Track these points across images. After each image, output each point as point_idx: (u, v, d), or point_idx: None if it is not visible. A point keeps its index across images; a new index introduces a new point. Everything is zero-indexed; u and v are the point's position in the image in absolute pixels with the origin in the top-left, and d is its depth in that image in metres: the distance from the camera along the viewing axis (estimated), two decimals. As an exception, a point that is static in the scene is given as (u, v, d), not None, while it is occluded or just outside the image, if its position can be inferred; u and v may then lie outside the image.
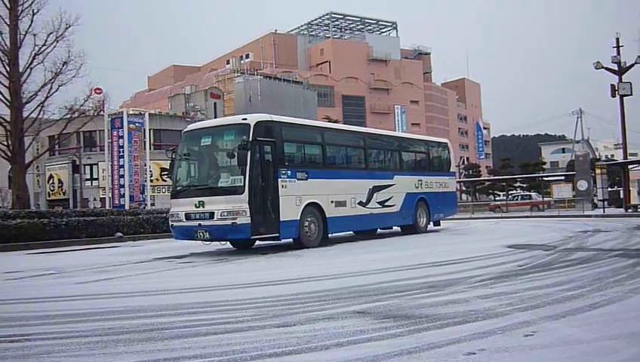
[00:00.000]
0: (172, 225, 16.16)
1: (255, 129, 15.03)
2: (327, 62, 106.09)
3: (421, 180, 22.06)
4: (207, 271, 12.40)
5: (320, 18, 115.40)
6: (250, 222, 14.52)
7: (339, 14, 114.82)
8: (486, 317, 6.20)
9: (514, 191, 67.90)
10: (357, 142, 20.14)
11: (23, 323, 7.28)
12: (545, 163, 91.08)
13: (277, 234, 15.34)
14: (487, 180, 79.27)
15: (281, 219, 15.30)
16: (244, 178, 14.59)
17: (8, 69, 28.63)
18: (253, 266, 13.10)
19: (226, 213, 14.67)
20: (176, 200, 16.13)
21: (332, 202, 17.25)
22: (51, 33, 29.37)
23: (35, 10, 29.15)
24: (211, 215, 14.94)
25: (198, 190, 15.64)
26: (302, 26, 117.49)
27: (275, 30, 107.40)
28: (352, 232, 21.51)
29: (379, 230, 22.88)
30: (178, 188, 16.28)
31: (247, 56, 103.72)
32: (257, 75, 75.98)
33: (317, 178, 16.93)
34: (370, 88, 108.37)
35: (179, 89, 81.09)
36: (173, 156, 16.73)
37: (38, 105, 30.10)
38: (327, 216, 16.91)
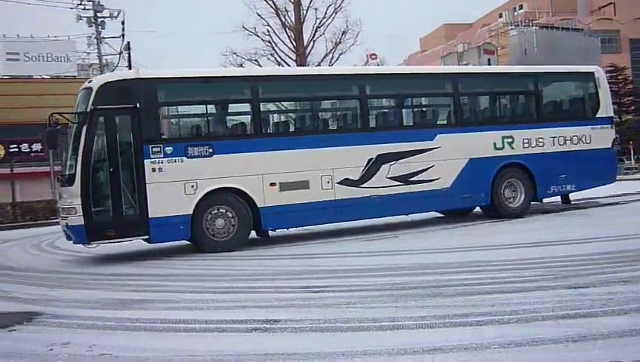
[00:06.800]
0: None
1: (99, 94, 10.88)
2: (611, 3, 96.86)
3: (511, 136, 14.09)
4: (484, 231, 12.33)
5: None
6: (83, 223, 10.60)
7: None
8: None
9: None
10: (343, 91, 13.70)
11: (325, 276, 8.05)
12: None
13: (145, 236, 11.14)
14: None
15: (151, 216, 10.94)
16: (76, 163, 10.75)
17: (295, 43, 31.08)
18: (527, 226, 12.61)
19: (62, 211, 11.27)
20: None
21: (273, 184, 11.89)
22: (330, 5, 31.14)
23: (315, -15, 31.10)
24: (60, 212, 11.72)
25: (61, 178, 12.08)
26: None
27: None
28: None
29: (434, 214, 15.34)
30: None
31: (521, 7, 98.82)
32: (532, 25, 72.35)
33: (235, 152, 11.79)
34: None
35: (451, 48, 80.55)
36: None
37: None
38: (262, 205, 11.76)
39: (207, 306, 6.59)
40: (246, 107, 12.59)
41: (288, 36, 31.24)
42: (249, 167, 11.72)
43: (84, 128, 10.75)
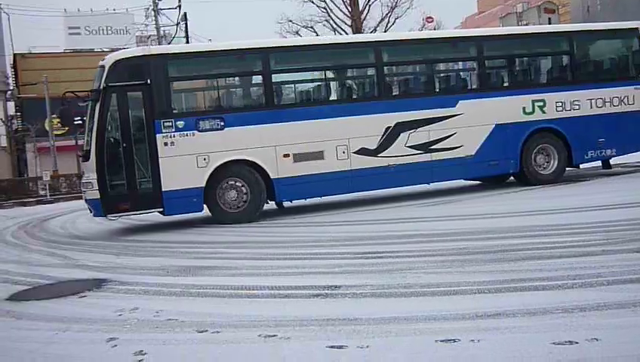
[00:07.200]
0: None
1: (111, 72, 11.15)
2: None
3: (543, 100, 13.47)
4: (540, 195, 11.98)
5: None
6: (99, 196, 11.01)
7: None
8: None
9: None
10: (358, 59, 13.53)
11: (384, 242, 8.07)
12: None
13: (160, 209, 11.39)
14: None
15: (164, 189, 11.18)
16: (91, 139, 11.11)
17: (350, 8, 30.84)
18: (582, 190, 12.30)
19: (82, 185, 11.96)
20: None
21: (286, 156, 11.85)
22: (385, -32, 30.69)
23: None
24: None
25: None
26: None
27: None
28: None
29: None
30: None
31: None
32: (596, -18, 69.75)
33: (246, 124, 11.77)
34: None
35: (510, 8, 78.57)
36: None
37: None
38: (275, 177, 11.76)
39: (268, 272, 6.70)
40: (257, 79, 12.53)
41: (343, 1, 31.04)
42: (261, 139, 11.70)
43: (98, 105, 11.05)
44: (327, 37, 12.67)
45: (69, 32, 43.85)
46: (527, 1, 76.87)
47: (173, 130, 11.27)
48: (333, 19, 31.06)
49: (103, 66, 11.34)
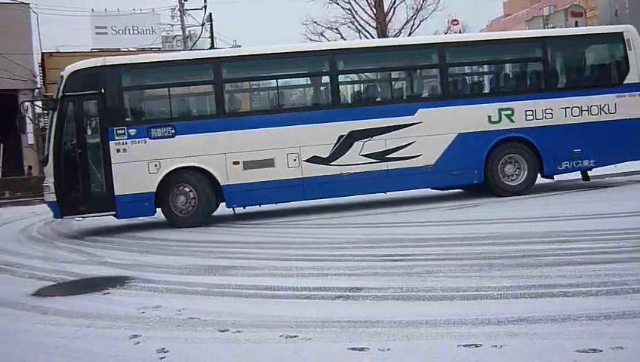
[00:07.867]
0: None
1: (69, 82, 11.65)
2: None
3: (511, 108, 12.83)
4: (561, 201, 11.90)
5: None
6: (56, 199, 11.51)
7: None
8: None
9: None
10: (309, 67, 13.54)
11: (405, 245, 8.05)
12: None
13: (113, 212, 11.78)
14: None
15: (117, 193, 11.56)
16: (49, 145, 11.70)
17: (375, 10, 30.85)
18: (607, 196, 12.10)
19: (42, 189, 12.71)
20: None
21: (236, 163, 11.95)
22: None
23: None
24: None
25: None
26: None
27: None
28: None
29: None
30: None
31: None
32: (624, -15, 68.90)
33: (196, 132, 12.02)
34: None
35: (536, 11, 77.84)
36: None
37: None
38: (225, 183, 11.90)
39: (291, 273, 6.72)
40: (207, 88, 12.76)
41: (368, 3, 31.05)
42: (211, 147, 11.88)
43: (55, 114, 11.58)
44: (279, 46, 12.55)
45: (96, 31, 44.22)
46: (554, 4, 76.11)
47: (126, 137, 11.63)
48: (357, 21, 31.15)
49: (62, 77, 11.83)
